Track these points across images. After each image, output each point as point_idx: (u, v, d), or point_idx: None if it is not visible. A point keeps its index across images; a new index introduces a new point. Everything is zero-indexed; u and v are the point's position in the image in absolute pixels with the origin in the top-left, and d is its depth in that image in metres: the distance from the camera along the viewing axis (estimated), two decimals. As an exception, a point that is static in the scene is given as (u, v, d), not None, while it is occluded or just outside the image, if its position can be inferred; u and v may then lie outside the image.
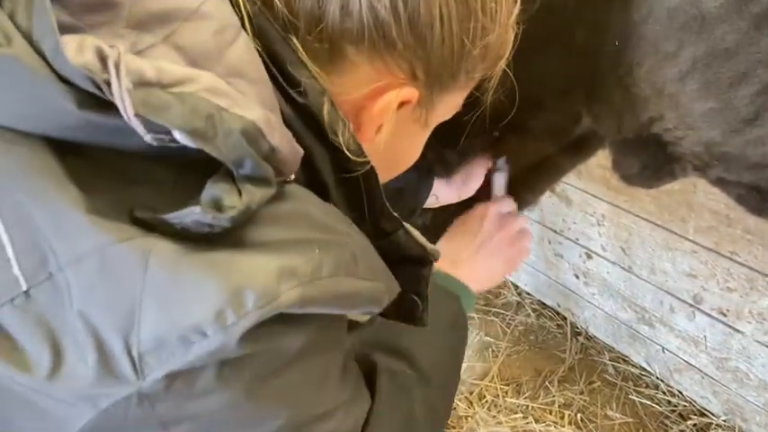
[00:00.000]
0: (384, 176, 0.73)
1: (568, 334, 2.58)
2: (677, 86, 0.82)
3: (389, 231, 0.68)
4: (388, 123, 0.65)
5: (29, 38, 0.44)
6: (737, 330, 1.96)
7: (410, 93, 0.63)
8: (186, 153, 0.48)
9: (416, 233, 0.72)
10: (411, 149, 0.73)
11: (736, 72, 0.76)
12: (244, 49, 0.53)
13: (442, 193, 1.23)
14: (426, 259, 0.74)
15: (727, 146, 0.84)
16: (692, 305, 2.07)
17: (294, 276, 0.50)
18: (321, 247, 0.53)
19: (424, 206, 1.23)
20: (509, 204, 1.14)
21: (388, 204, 0.67)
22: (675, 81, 0.81)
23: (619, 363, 2.42)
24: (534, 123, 1.09)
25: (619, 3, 0.84)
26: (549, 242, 2.55)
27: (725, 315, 1.98)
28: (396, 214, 0.68)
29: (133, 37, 0.48)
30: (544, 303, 2.73)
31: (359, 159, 0.61)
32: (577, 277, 2.50)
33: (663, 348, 2.25)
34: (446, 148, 1.16)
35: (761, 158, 0.82)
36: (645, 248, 2.13)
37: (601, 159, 2.15)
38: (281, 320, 0.51)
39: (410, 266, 0.74)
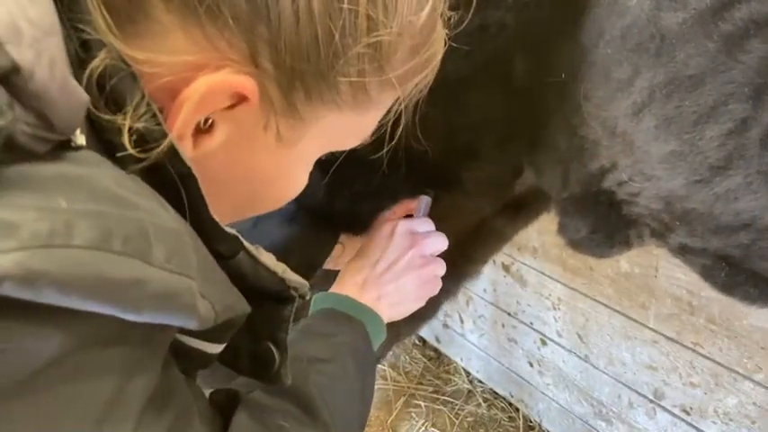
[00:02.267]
0: (235, 202, 0.56)
1: (521, 427, 2.39)
2: (631, 124, 0.67)
3: (225, 255, 0.50)
4: (225, 124, 0.48)
5: None
6: (702, 431, 1.79)
7: (243, 82, 0.46)
8: None
9: (269, 260, 0.54)
10: (267, 171, 0.54)
11: (702, 106, 0.61)
12: None
13: (351, 241, 1.05)
14: (287, 295, 0.56)
15: (692, 201, 0.68)
16: (652, 401, 1.92)
17: (12, 235, 0.32)
18: (89, 215, 0.35)
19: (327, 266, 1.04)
20: (424, 224, 0.97)
21: (219, 223, 0.48)
22: (629, 117, 0.66)
23: (573, 462, 2.22)
24: (467, 176, 0.93)
25: (566, 24, 0.70)
26: (503, 325, 2.42)
27: (688, 413, 1.83)
28: (234, 232, 0.50)
29: None
30: (496, 392, 2.57)
31: (144, 152, 0.42)
32: (531, 365, 2.35)
33: (621, 448, 2.07)
34: (358, 201, 0.99)
35: (732, 218, 0.67)
36: (602, 336, 2.01)
37: (558, 238, 2.08)
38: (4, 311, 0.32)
39: (265, 304, 0.56)
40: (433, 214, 1.01)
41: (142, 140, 0.43)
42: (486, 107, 0.83)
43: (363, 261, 0.92)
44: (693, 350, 1.74)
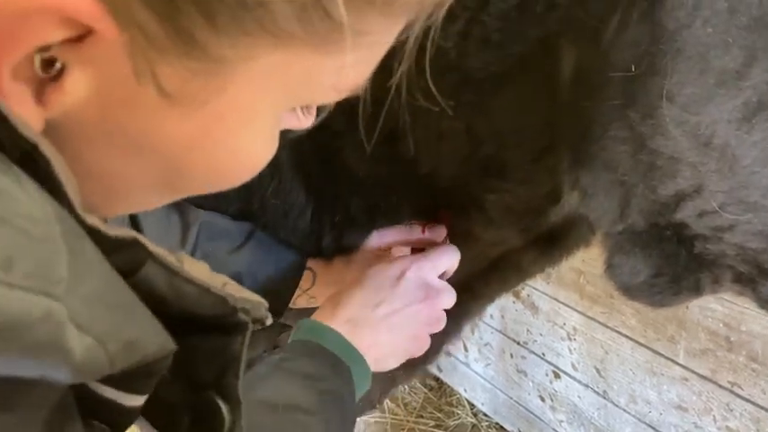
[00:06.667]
0: (146, 180, 0.38)
1: (530, 468, 2.21)
2: (737, 132, 0.48)
3: (122, 269, 0.33)
4: (79, 68, 0.31)
5: None
6: (740, 483, 1.67)
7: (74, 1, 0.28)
8: None
9: (200, 271, 0.36)
10: (176, 138, 0.36)
11: None
12: None
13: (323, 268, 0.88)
14: (234, 321, 0.39)
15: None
16: (682, 446, 1.80)
17: None
18: None
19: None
20: (442, 261, 0.81)
21: (95, 224, 0.31)
22: (735, 122, 0.48)
23: None
24: (491, 199, 0.74)
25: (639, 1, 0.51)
26: (512, 356, 2.29)
27: (724, 462, 1.70)
28: (132, 234, 0.33)
29: None
30: (503, 427, 2.43)
31: None
32: (543, 400, 2.22)
33: (644, 497, 1.95)
34: (349, 228, 0.80)
35: None
36: (624, 371, 1.90)
37: (574, 261, 1.94)
38: None
39: (205, 337, 0.39)
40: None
41: None
42: (521, 113, 0.64)
43: (362, 296, 0.76)
44: (731, 391, 1.62)
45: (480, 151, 0.70)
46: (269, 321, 0.41)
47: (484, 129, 0.66)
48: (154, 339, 0.34)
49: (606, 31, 0.55)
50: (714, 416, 1.67)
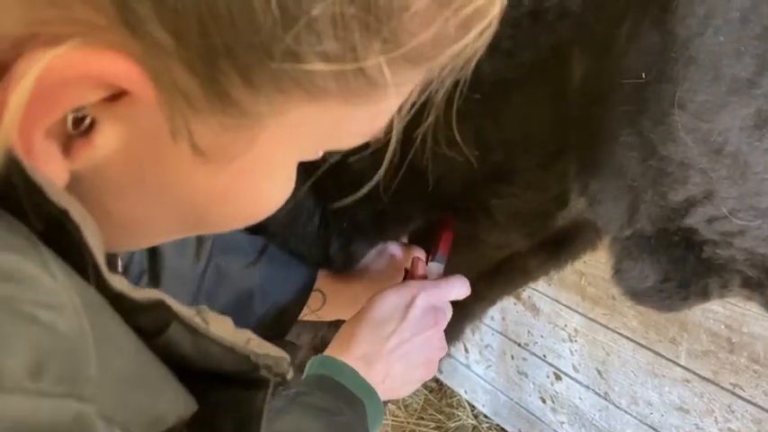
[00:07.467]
0: (170, 226, 0.39)
1: (531, 469, 2.20)
2: (749, 140, 0.49)
3: (148, 331, 0.33)
4: (110, 124, 0.31)
5: None
6: (742, 485, 1.66)
7: (106, 63, 0.28)
8: None
9: (223, 328, 0.36)
10: (203, 191, 0.36)
11: None
12: None
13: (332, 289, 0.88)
14: (257, 377, 0.39)
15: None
16: (683, 447, 1.79)
17: None
18: None
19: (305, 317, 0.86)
20: (452, 293, 0.82)
21: (126, 292, 0.31)
22: (747, 130, 0.49)
23: None
24: (496, 204, 0.75)
25: (650, 6, 0.51)
26: (513, 357, 2.28)
27: (726, 463, 1.69)
28: (157, 296, 0.33)
29: None
30: (504, 429, 2.42)
31: None
32: (544, 401, 2.21)
33: (645, 499, 1.94)
34: (358, 233, 0.80)
35: None
36: (625, 372, 1.90)
37: (576, 263, 1.93)
38: None
39: (226, 391, 0.39)
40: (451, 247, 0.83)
41: None
42: (530, 119, 0.64)
43: (372, 330, 0.77)
44: (732, 392, 1.62)
45: (488, 155, 0.71)
46: (290, 375, 0.41)
47: (491, 133, 0.66)
48: (176, 409, 0.34)
49: (618, 38, 0.55)
50: (716, 417, 1.67)
